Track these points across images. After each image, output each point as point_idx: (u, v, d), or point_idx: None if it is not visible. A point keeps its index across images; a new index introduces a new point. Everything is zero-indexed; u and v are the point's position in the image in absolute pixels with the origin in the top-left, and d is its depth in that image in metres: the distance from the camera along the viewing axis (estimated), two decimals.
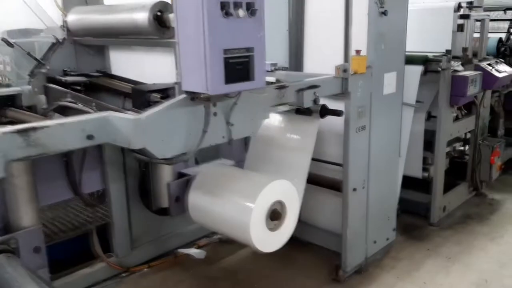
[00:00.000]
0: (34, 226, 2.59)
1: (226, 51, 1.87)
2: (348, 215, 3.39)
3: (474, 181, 4.89)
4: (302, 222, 4.05)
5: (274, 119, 3.44)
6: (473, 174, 4.85)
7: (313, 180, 3.72)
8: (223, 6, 1.83)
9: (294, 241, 3.99)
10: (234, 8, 1.86)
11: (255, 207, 2.79)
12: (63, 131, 1.80)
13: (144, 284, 3.55)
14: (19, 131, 1.72)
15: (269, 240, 2.93)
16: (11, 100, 2.48)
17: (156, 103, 2.00)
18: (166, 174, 3.33)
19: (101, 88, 2.62)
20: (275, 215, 2.96)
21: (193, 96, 2.00)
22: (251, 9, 1.91)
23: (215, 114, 2.14)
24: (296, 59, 3.89)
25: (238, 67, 1.93)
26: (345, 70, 3.12)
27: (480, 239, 4.10)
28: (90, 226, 3.61)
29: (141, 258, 3.74)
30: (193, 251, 3.90)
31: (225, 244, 3.98)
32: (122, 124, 1.86)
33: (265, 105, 2.37)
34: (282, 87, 2.72)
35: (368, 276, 3.52)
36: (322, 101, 3.35)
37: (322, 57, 3.64)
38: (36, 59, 2.66)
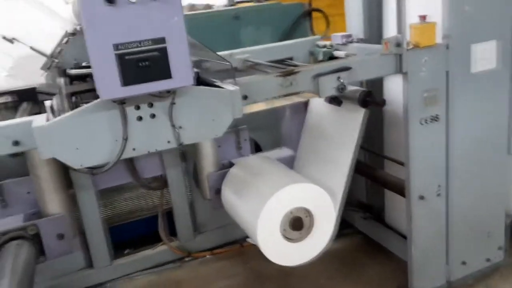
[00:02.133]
0: (58, 214, 2.71)
1: (118, 46, 1.54)
2: (413, 229, 2.67)
3: None
4: (385, 226, 3.42)
5: (322, 107, 2.89)
6: None
7: (379, 180, 3.07)
8: None
9: (372, 245, 3.42)
10: None
11: (264, 212, 2.40)
12: None
13: (200, 271, 3.49)
14: None
15: (287, 252, 2.51)
16: (27, 95, 2.60)
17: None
18: (207, 164, 3.14)
19: None
20: (298, 224, 2.52)
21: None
22: None
23: (152, 116, 1.83)
24: (375, 28, 3.16)
25: (142, 64, 1.57)
26: (398, 44, 2.37)
27: None
28: (157, 210, 3.70)
29: (205, 244, 3.68)
30: None
31: None
32: (33, 132, 1.74)
33: (235, 102, 1.93)
34: (288, 74, 2.21)
35: None
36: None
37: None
38: (39, 52, 2.72)
